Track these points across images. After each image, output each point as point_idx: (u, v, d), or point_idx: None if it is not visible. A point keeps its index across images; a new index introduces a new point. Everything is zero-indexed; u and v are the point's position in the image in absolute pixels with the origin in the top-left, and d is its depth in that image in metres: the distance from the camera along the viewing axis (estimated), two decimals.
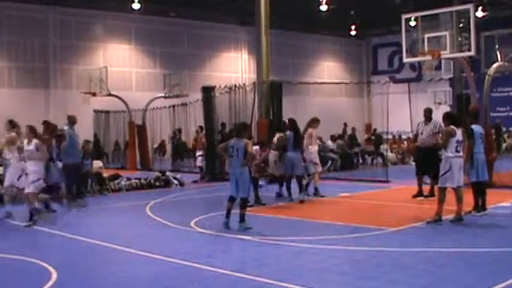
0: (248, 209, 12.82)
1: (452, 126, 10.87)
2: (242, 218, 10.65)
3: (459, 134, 10.87)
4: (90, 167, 16.90)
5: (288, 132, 14.83)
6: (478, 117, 12.58)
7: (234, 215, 10.73)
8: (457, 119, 11.24)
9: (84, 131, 19.90)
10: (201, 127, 22.25)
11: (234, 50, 39.25)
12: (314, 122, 15.44)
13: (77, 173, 15.21)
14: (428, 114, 14.36)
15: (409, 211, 12.76)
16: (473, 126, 11.70)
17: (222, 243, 9.65)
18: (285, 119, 16.80)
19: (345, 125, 32.30)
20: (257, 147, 13.82)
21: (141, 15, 33.35)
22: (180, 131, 27.63)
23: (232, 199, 10.85)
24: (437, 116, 13.30)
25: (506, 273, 7.17)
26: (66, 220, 12.55)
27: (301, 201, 14.15)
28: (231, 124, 21.18)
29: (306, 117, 15.99)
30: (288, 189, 14.76)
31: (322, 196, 15.05)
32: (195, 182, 19.96)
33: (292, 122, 14.90)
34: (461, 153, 10.87)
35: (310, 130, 15.26)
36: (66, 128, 14.94)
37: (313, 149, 15.32)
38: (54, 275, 7.60)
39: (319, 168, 15.64)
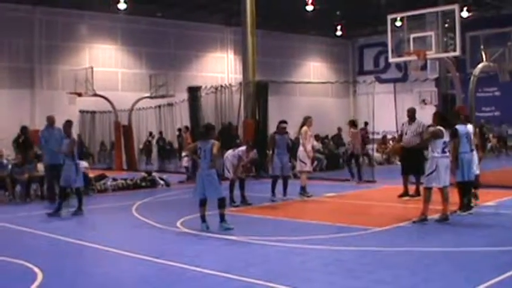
0: (234, 209, 12.88)
1: (439, 127, 10.90)
2: (222, 218, 10.61)
3: (447, 135, 10.91)
4: None
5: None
6: (464, 117, 12.56)
7: (215, 216, 10.70)
8: (446, 120, 11.24)
9: None
10: (186, 127, 22.19)
11: (220, 50, 39.21)
12: (308, 120, 15.41)
13: (55, 174, 14.85)
14: (411, 114, 14.42)
15: (395, 211, 12.80)
16: (458, 126, 11.72)
17: (208, 243, 9.62)
18: (271, 119, 16.83)
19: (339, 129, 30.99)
20: (243, 148, 13.78)
21: (127, 16, 33.25)
22: (180, 130, 27.01)
23: (202, 203, 10.73)
24: (423, 116, 13.35)
25: (492, 272, 7.19)
26: (51, 221, 12.47)
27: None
28: (218, 124, 21.20)
29: (292, 118, 16.00)
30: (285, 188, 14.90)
31: (309, 196, 15.06)
32: (181, 182, 19.91)
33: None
34: (447, 154, 10.92)
35: (304, 128, 15.26)
36: (42, 129, 14.85)
37: (306, 147, 15.24)
38: (40, 276, 7.54)
39: (306, 168, 15.36)
